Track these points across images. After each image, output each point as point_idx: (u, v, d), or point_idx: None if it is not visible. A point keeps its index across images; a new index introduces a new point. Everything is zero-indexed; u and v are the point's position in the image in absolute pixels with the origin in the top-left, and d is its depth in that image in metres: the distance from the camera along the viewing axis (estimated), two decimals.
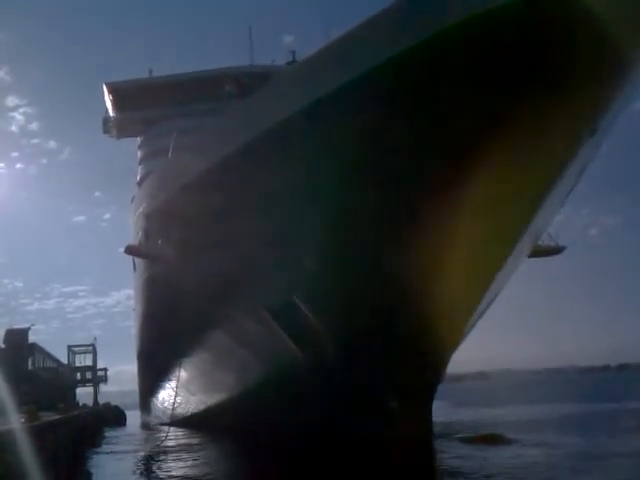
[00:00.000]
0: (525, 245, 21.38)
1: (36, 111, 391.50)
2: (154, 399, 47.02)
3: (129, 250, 32.22)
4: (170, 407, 37.71)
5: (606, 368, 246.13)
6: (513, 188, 17.29)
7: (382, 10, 16.50)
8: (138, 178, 43.70)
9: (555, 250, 31.04)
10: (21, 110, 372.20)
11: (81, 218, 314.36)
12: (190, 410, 36.42)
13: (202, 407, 35.56)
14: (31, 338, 44.54)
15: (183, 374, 33.25)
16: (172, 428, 29.87)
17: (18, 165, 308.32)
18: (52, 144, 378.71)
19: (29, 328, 44.57)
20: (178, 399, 33.69)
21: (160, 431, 36.57)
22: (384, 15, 16.47)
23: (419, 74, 16.11)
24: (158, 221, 28.84)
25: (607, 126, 18.23)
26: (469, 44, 15.09)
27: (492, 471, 14.80)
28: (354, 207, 19.37)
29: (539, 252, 29.21)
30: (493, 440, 20.39)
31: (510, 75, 15.42)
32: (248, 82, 35.07)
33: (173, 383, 35.93)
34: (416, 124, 16.89)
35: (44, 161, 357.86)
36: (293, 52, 33.23)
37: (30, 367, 43.32)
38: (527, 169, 16.96)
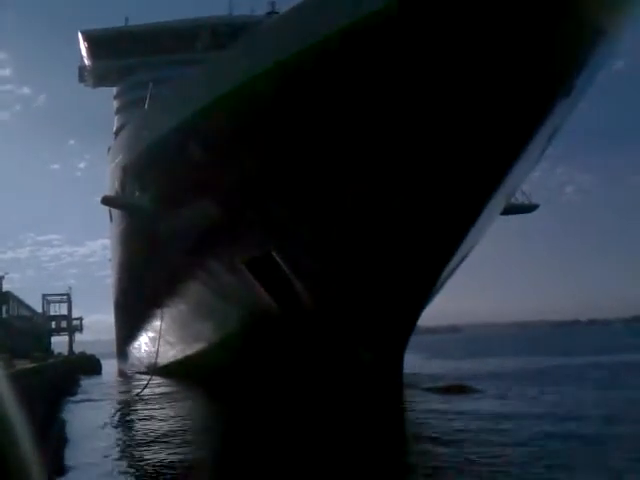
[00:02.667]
0: (498, 202, 21.67)
1: (8, 57, 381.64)
2: (131, 348, 47.38)
3: (105, 201, 32.07)
4: (147, 356, 38.07)
5: (576, 323, 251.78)
6: (485, 145, 17.49)
7: None
8: (115, 128, 43.17)
9: (528, 208, 31.40)
10: None
11: (56, 166, 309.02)
12: (167, 359, 36.84)
13: (179, 356, 35.95)
14: (5, 287, 44.30)
15: (160, 323, 33.52)
16: (149, 376, 30.17)
17: None
18: (26, 90, 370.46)
19: (3, 277, 44.24)
20: (155, 348, 34.02)
21: (137, 379, 36.96)
22: None
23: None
24: (134, 173, 28.69)
25: (583, 86, 18.37)
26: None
27: (456, 419, 15.36)
28: (334, 163, 19.50)
29: (512, 210, 29.59)
30: (459, 390, 21.04)
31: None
32: (226, 32, 34.62)
33: (150, 332, 36.25)
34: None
35: (18, 108, 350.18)
36: (273, 3, 32.58)
37: (4, 315, 43.18)
38: (500, 127, 17.13)
